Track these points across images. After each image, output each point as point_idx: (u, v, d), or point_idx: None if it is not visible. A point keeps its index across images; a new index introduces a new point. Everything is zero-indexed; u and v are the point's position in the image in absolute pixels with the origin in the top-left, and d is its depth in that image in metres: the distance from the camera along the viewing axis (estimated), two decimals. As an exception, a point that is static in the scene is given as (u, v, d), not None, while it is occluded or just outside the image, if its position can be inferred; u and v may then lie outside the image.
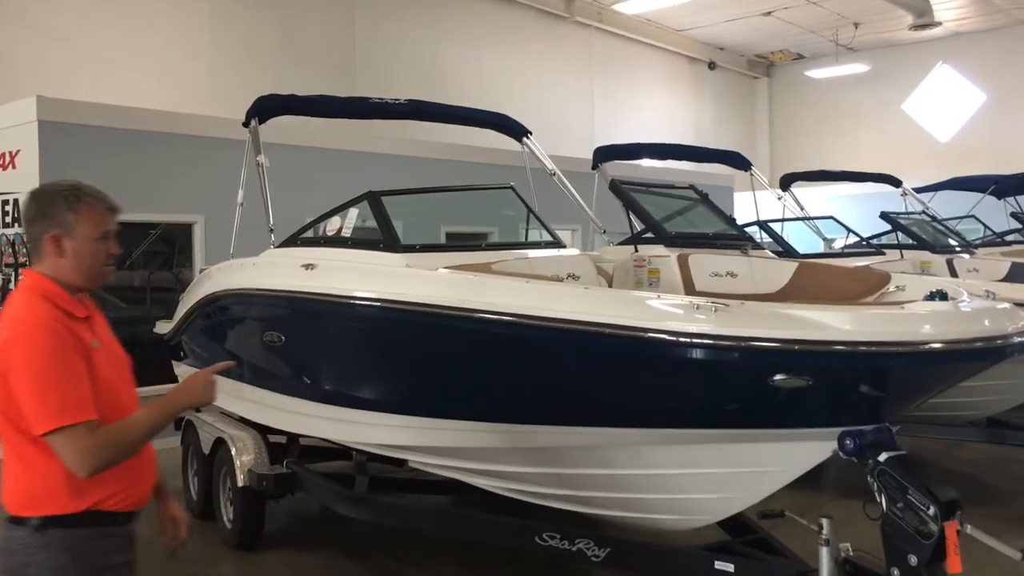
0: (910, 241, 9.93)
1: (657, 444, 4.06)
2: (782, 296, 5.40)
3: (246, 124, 6.79)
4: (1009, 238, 11.83)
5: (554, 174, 7.40)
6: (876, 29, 22.93)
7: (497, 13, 19.05)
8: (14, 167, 9.60)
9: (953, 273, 8.94)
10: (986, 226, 12.33)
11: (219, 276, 6.67)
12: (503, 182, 6.03)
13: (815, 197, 16.35)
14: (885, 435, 3.72)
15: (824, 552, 3.89)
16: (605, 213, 7.34)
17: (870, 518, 3.73)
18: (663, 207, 6.37)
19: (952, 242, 10.35)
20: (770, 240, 9.60)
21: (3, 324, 2.71)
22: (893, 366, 3.46)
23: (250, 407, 6.44)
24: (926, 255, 9.39)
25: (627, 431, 4.03)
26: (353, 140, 12.01)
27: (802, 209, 11.27)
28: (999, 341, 3.52)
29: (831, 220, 10.68)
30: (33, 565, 2.69)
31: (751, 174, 10.45)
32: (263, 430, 6.42)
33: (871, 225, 11.55)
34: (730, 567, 4.14)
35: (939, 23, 21.66)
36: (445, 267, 4.63)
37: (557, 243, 5.91)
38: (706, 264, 5.58)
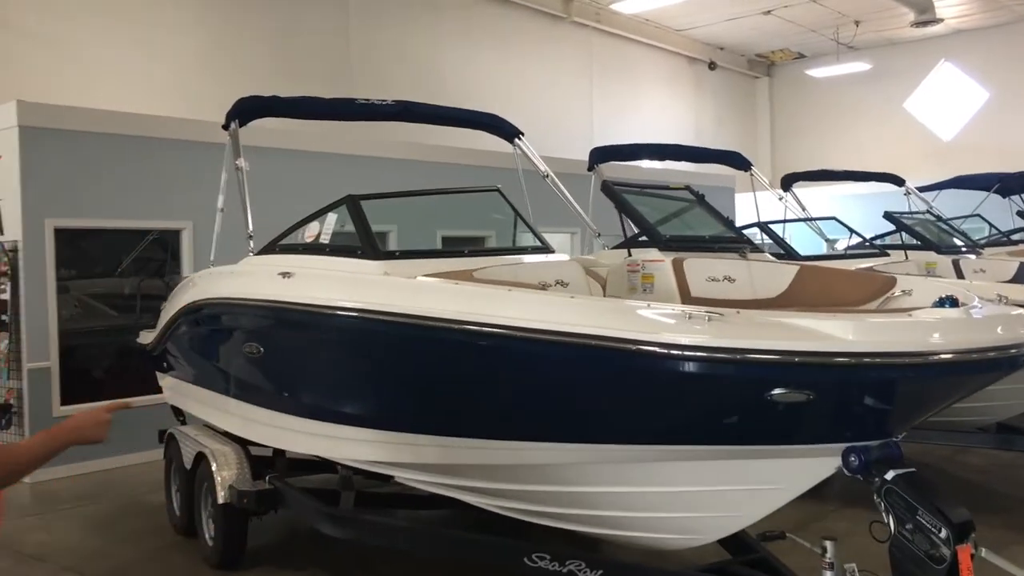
0: (914, 241, 9.68)
1: (651, 461, 3.83)
2: (782, 302, 5.15)
3: (226, 127, 6.58)
4: (1015, 237, 11.59)
5: (547, 176, 7.19)
6: (877, 27, 22.69)
7: (495, 14, 18.83)
8: (-6, 174, 9.38)
9: (959, 274, 8.70)
10: (992, 225, 12.08)
11: (200, 284, 6.46)
12: (490, 184, 5.80)
13: (817, 197, 16.12)
14: (892, 451, 3.48)
15: (828, 577, 3.66)
16: (603, 216, 7.11)
17: (877, 540, 3.49)
18: (658, 209, 6.12)
19: (958, 242, 10.10)
20: (771, 242, 9.36)
21: None
22: (900, 379, 3.22)
23: (232, 421, 6.23)
24: (931, 256, 9.15)
25: (618, 448, 3.80)
26: (344, 144, 11.78)
27: (804, 210, 11.05)
28: (1013, 351, 3.29)
29: (833, 221, 10.43)
30: None
31: (751, 174, 10.23)
32: (246, 443, 6.20)
33: (874, 225, 11.32)
34: None
35: (941, 20, 21.42)
36: (424, 275, 4.40)
37: (545, 248, 5.68)
38: (702, 268, 5.33)
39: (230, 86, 13.34)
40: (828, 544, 3.67)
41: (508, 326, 3.67)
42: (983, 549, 3.30)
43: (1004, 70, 23.00)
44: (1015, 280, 8.22)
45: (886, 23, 22.40)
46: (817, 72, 24.99)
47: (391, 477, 5.36)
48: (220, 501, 5.93)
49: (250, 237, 5.95)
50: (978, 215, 12.18)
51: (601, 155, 9.37)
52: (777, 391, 3.22)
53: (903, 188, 13.03)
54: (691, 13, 21.21)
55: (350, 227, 5.28)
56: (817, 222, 10.36)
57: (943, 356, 3.16)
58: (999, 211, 12.48)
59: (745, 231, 8.45)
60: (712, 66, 24.78)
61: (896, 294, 4.75)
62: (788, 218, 9.90)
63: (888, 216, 9.85)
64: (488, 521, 5.02)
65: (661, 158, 10.34)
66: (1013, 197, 12.58)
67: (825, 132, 25.67)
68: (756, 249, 5.97)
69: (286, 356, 5.16)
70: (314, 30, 15.62)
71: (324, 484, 6.28)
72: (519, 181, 6.94)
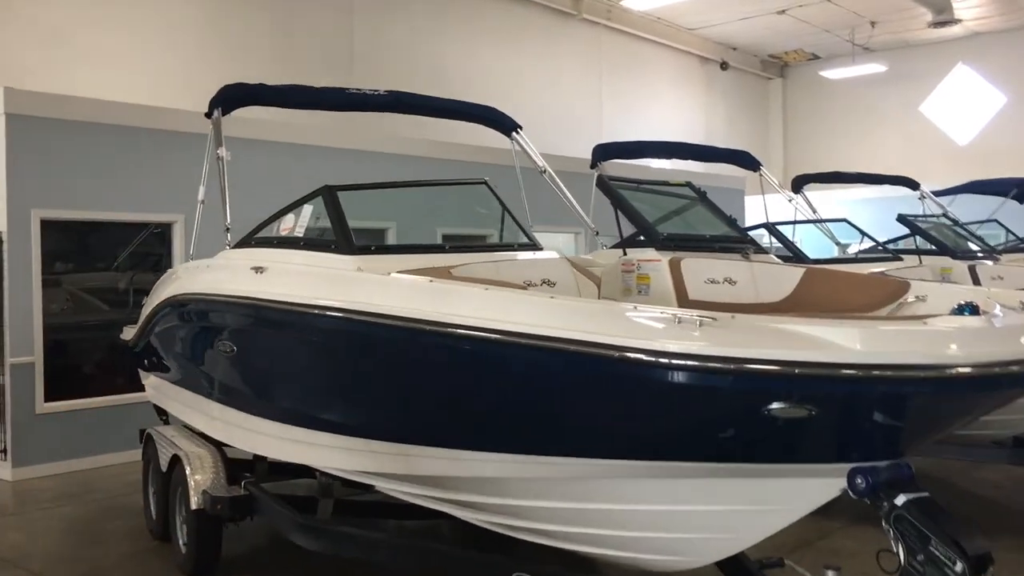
0: (929, 246, 9.32)
1: (638, 478, 3.50)
2: (786, 306, 4.83)
3: (208, 114, 6.29)
4: (1034, 243, 11.19)
5: (544, 171, 6.92)
6: (894, 28, 22.29)
7: (502, 9, 18.52)
8: (-21, 163, 9.13)
9: (976, 280, 8.34)
10: (1009, 231, 11.68)
11: (183, 278, 6.19)
12: (477, 177, 5.50)
13: (828, 201, 15.77)
14: (903, 473, 3.15)
15: (832, 609, 3.33)
16: (607, 215, 6.83)
17: (885, 572, 3.16)
18: (656, 206, 5.79)
19: (974, 247, 9.74)
20: (778, 244, 9.02)
21: None
22: (914, 394, 2.89)
23: (208, 422, 5.97)
24: (947, 261, 8.80)
25: (601, 462, 3.48)
26: (340, 138, 11.50)
27: (814, 212, 10.73)
28: None
29: (844, 223, 10.08)
30: None
31: (760, 175, 9.92)
32: (224, 446, 5.92)
33: (887, 230, 10.96)
34: None
35: (958, 20, 21.02)
36: (400, 271, 4.09)
37: (533, 245, 5.36)
38: (701, 269, 4.99)
39: (229, 77, 13.02)
40: (830, 574, 3.34)
41: (479, 327, 3.37)
42: (1002, 584, 2.98)
43: (1022, 74, 22.57)
44: (1035, 287, 7.85)
45: (903, 24, 22.01)
46: (831, 73, 24.57)
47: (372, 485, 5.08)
48: (193, 507, 5.65)
49: (227, 230, 5.67)
50: (995, 220, 11.79)
51: (604, 152, 9.09)
52: (775, 406, 2.89)
53: (918, 192, 12.70)
54: (703, 12, 20.86)
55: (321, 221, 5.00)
56: (827, 224, 10.01)
57: (962, 370, 2.82)
58: (1016, 217, 12.08)
59: (752, 232, 8.13)
60: (724, 66, 24.41)
61: (909, 300, 4.41)
62: (797, 220, 9.55)
63: (902, 219, 9.50)
64: (475, 533, 4.73)
65: (667, 156, 10.04)
66: (1031, 202, 12.21)
67: (839, 135, 25.26)
68: (760, 250, 5.62)
69: (259, 356, 4.88)
70: (317, 22, 15.34)
71: (305, 490, 6.01)
72: (516, 176, 6.71)
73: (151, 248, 12.16)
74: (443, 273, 4.09)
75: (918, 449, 3.27)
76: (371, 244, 4.65)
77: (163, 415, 7.47)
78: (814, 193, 11.83)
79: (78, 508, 7.71)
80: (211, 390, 5.71)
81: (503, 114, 7.18)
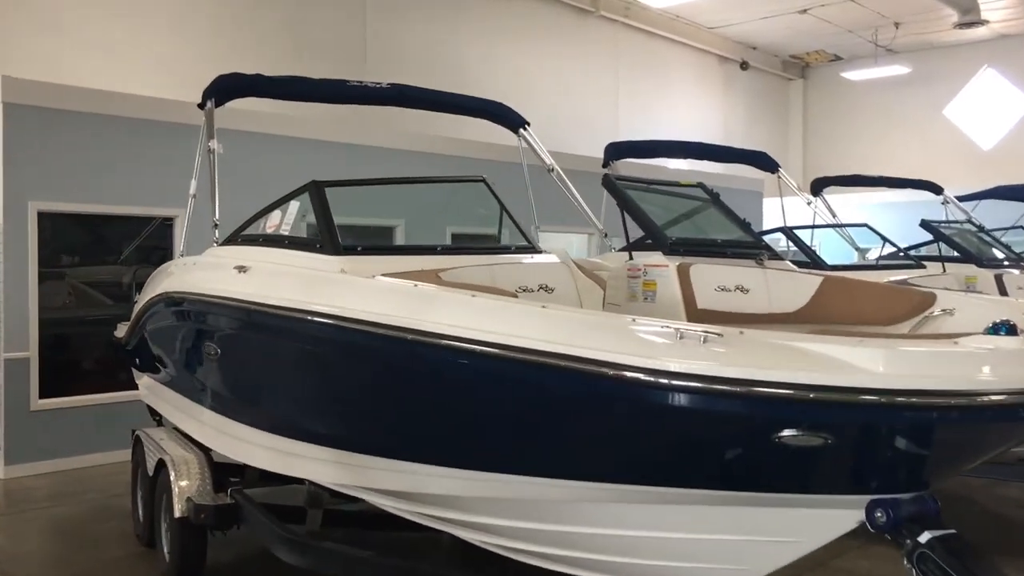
0: (953, 253, 8.97)
1: (633, 502, 3.22)
2: (801, 317, 4.53)
3: (201, 105, 6.06)
4: (1062, 252, 10.80)
5: (552, 170, 6.65)
6: (918, 29, 21.84)
7: (518, 5, 18.21)
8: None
9: (1002, 290, 8.00)
10: (1035, 238, 11.32)
11: (169, 275, 5.96)
12: (475, 175, 5.23)
13: (849, 205, 15.41)
14: (928, 507, 2.86)
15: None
16: (619, 216, 6.58)
17: (906, 615, 2.86)
18: (665, 208, 5.48)
19: (999, 255, 9.38)
20: (796, 249, 8.70)
21: None
22: (942, 424, 2.59)
23: (195, 426, 5.73)
24: (971, 269, 8.45)
25: (594, 485, 3.19)
26: (345, 132, 11.24)
27: (834, 216, 10.42)
28: None
29: (865, 228, 9.74)
30: None
31: (779, 177, 9.62)
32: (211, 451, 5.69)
33: (909, 236, 10.62)
34: None
35: (985, 22, 20.52)
36: (385, 274, 3.82)
37: (532, 247, 5.08)
38: (711, 276, 4.67)
39: (238, 71, 12.88)
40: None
41: (460, 338, 3.09)
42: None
43: (1050, 78, 22.12)
44: (1065, 299, 7.50)
45: (927, 25, 21.55)
46: (854, 75, 24.11)
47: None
48: (177, 514, 5.41)
49: (215, 226, 5.43)
50: (1022, 227, 11.42)
51: (617, 151, 8.83)
52: (787, 433, 2.61)
53: (941, 197, 12.34)
54: (724, 10, 20.49)
55: (346, 220, 4.74)
56: (847, 229, 9.68)
57: (997, 397, 2.52)
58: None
59: (769, 236, 7.83)
60: (744, 66, 24.00)
61: (935, 314, 4.10)
62: (815, 224, 9.22)
63: (925, 225, 9.15)
64: (459, 550, 4.47)
65: (682, 156, 9.76)
66: (1058, 209, 11.82)
67: (860, 138, 24.80)
68: (775, 256, 5.30)
69: (241, 360, 4.63)
70: (329, 15, 15.08)
71: (296, 497, 5.76)
72: (539, 174, 6.48)
73: (159, 242, 11.98)
74: (430, 277, 3.81)
75: (944, 481, 2.97)
76: (357, 244, 4.38)
77: (156, 416, 7.25)
78: (833, 196, 11.50)
79: (70, 509, 7.53)
80: (197, 393, 5.47)
81: (510, 109, 6.92)
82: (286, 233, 4.66)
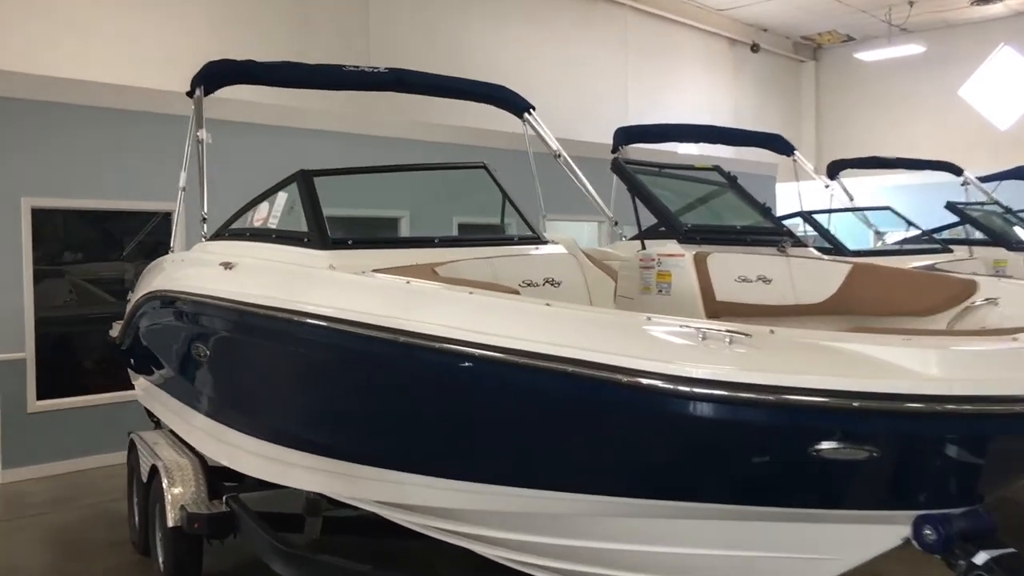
0: (980, 236, 8.60)
1: (658, 517, 2.92)
2: (830, 308, 4.21)
3: (190, 93, 5.77)
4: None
5: (559, 156, 6.35)
6: (933, 7, 21.36)
7: (525, -11, 17.86)
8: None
9: (1034, 275, 7.64)
10: (1061, 219, 10.92)
11: (161, 271, 5.69)
12: (476, 161, 4.92)
13: (865, 188, 15.03)
14: (983, 523, 2.54)
15: None
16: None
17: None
18: (680, 193, 5.15)
19: (1029, 237, 9.02)
20: (815, 234, 8.35)
21: None
22: (1006, 433, 2.28)
23: (187, 430, 5.47)
24: (1000, 252, 8.09)
25: (613, 500, 2.89)
26: (348, 122, 10.94)
27: (851, 199, 10.08)
28: None
29: (888, 212, 9.37)
30: None
31: (794, 160, 9.29)
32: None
33: (927, 219, 10.26)
34: None
35: (1002, -1, 20.09)
36: (376, 269, 3.52)
37: (536, 238, 4.76)
38: (731, 266, 4.34)
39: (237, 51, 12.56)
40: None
41: (455, 339, 2.79)
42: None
43: (1068, 55, 21.62)
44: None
45: (942, 3, 21.07)
46: (867, 56, 23.62)
47: None
48: (170, 524, 5.15)
49: (204, 220, 5.14)
50: (1046, 208, 11.03)
51: (626, 136, 8.53)
52: (825, 445, 2.30)
53: (961, 178, 11.96)
54: (734, -9, 20.11)
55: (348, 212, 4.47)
56: (868, 213, 9.32)
57: None
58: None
59: (786, 221, 7.50)
60: (755, 48, 23.56)
61: (977, 303, 3.76)
62: (836, 208, 8.87)
63: (951, 207, 8.78)
64: (478, 559, 4.18)
65: (694, 140, 9.41)
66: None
67: (874, 120, 24.33)
68: (799, 243, 4.96)
69: (229, 362, 4.34)
70: (330, 3, 14.74)
71: (295, 504, 5.49)
72: (529, 161, 6.19)
73: (162, 236, 11.73)
74: (426, 272, 3.50)
75: (999, 493, 2.65)
76: (348, 237, 4.07)
77: (154, 418, 7.00)
78: (848, 180, 11.15)
79: (66, 515, 7.30)
80: (188, 395, 5.21)
81: (514, 93, 6.61)
82: (274, 226, 4.37)
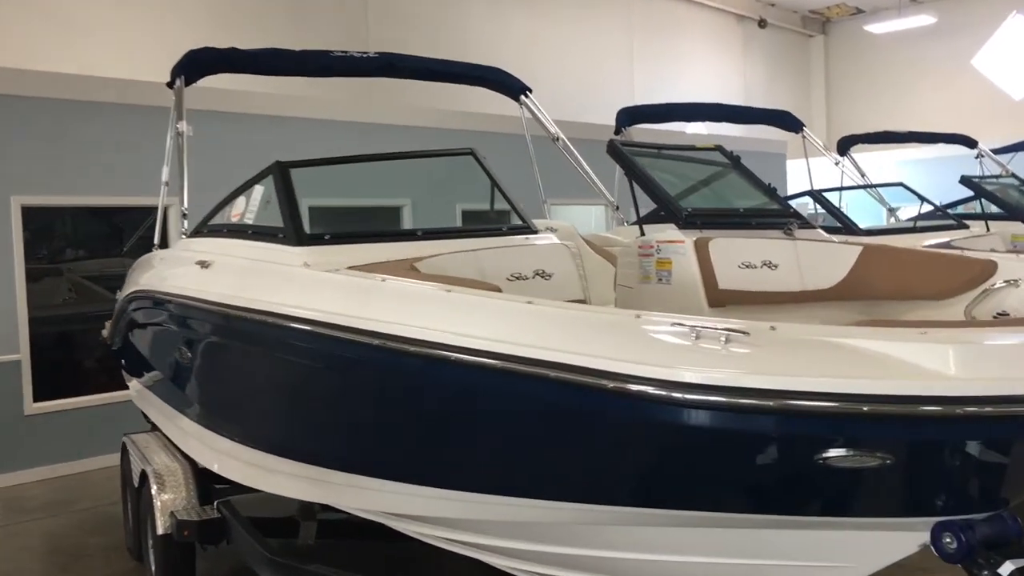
0: (996, 210, 8.32)
1: (652, 525, 2.71)
2: (840, 293, 3.97)
3: (171, 84, 5.56)
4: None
5: (557, 139, 6.14)
6: (943, -23, 20.94)
7: (526, -31, 17.53)
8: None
9: (1054, 249, 7.35)
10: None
11: (141, 271, 5.50)
12: (463, 147, 4.70)
13: (877, 163, 14.69)
14: (1008, 528, 2.31)
15: None
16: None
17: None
18: (681, 176, 4.90)
19: (1046, 210, 8.72)
20: (824, 213, 8.09)
21: None
22: None
23: (179, 435, 5.27)
24: (1017, 226, 7.81)
25: (603, 509, 2.68)
26: (344, 110, 10.70)
27: (863, 176, 9.81)
28: None
29: (900, 187, 9.08)
30: None
31: (803, 137, 9.03)
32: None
33: (940, 194, 9.97)
34: None
35: (1015, -34, 19.63)
36: (351, 267, 3.31)
37: (527, 227, 4.53)
38: (734, 251, 4.09)
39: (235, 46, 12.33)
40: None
41: (427, 342, 2.59)
42: None
43: (1083, 22, 21.15)
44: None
45: (953, -28, 20.65)
46: (877, 28, 23.20)
47: None
48: (160, 531, 4.96)
49: (184, 216, 4.93)
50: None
51: (629, 116, 8.29)
52: (833, 453, 2.08)
53: (975, 151, 11.65)
54: (739, -34, 19.71)
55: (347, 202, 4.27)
56: (880, 189, 9.04)
57: None
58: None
59: (795, 201, 7.24)
60: (762, 24, 23.15)
61: (997, 286, 3.52)
62: (846, 186, 8.60)
63: (965, 181, 8.48)
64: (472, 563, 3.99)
65: (700, 118, 9.17)
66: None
67: (885, 93, 23.90)
68: (807, 225, 4.70)
69: (207, 364, 4.15)
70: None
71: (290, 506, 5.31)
72: (527, 146, 5.98)
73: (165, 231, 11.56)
74: (403, 269, 3.29)
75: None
76: (325, 233, 3.86)
77: (150, 420, 6.84)
78: (860, 155, 10.86)
79: (61, 520, 7.15)
80: (173, 398, 5.03)
81: (510, 75, 6.40)
82: (250, 221, 4.16)
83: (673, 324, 2.27)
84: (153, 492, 5.07)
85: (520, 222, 4.56)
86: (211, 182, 6.05)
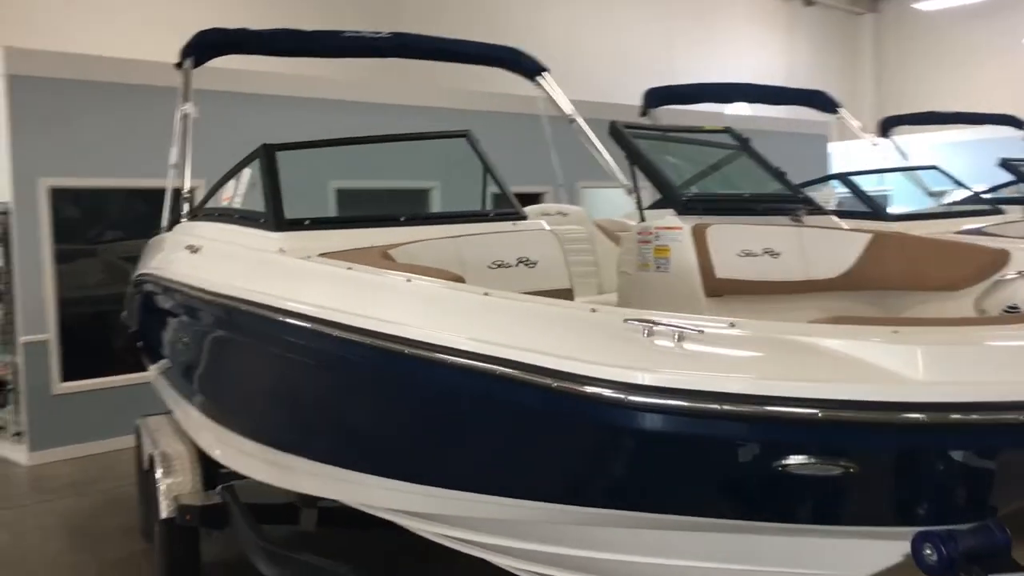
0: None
1: (618, 527, 2.60)
2: (845, 283, 3.81)
3: (179, 65, 5.52)
4: None
5: (573, 121, 5.99)
6: (998, -48, 20.28)
7: (563, -53, 17.29)
8: (-20, 127, 8.58)
9: (1095, 237, 7.01)
10: None
11: (149, 254, 5.50)
12: (459, 129, 4.58)
13: (922, 145, 14.27)
14: (995, 540, 2.16)
15: None
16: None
17: None
18: (688, 159, 4.73)
19: (1092, 196, 8.36)
20: (852, 196, 7.84)
21: None
22: (1014, 447, 1.89)
23: (184, 419, 5.29)
24: (1058, 212, 7.48)
25: (562, 508, 2.57)
26: (364, 91, 10.61)
27: (905, 158, 9.50)
28: None
29: (934, 171, 8.77)
30: None
31: (839, 117, 8.76)
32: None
33: (988, 178, 9.62)
34: None
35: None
36: (323, 254, 3.24)
37: (516, 213, 4.40)
38: (732, 238, 3.92)
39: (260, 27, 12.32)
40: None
41: (377, 333, 2.50)
42: None
43: None
44: None
45: (1008, -53, 19.98)
46: (928, 5, 22.58)
47: None
48: (163, 515, 4.98)
49: (187, 199, 4.90)
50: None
51: (656, 97, 8.10)
52: (792, 460, 1.95)
53: (1022, 132, 11.23)
54: (784, -58, 19.26)
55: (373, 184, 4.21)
56: (915, 172, 8.74)
57: None
58: None
59: (823, 184, 7.01)
60: (809, 1, 22.63)
61: (1008, 276, 3.33)
62: (872, 169, 8.32)
63: (1005, 164, 8.15)
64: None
65: (729, 99, 8.93)
66: None
67: (936, 73, 23.27)
68: (816, 210, 4.51)
69: (198, 350, 4.13)
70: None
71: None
72: (544, 128, 5.90)
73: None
74: (374, 256, 3.20)
75: (1013, 506, 2.26)
76: (306, 218, 3.79)
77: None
78: (905, 137, 10.52)
79: (82, 500, 7.22)
80: (178, 382, 5.03)
81: (525, 55, 6.25)
82: (238, 206, 4.11)
83: (626, 320, 2.15)
84: (159, 475, 5.08)
85: (510, 208, 4.44)
86: (230, 165, 6.05)
